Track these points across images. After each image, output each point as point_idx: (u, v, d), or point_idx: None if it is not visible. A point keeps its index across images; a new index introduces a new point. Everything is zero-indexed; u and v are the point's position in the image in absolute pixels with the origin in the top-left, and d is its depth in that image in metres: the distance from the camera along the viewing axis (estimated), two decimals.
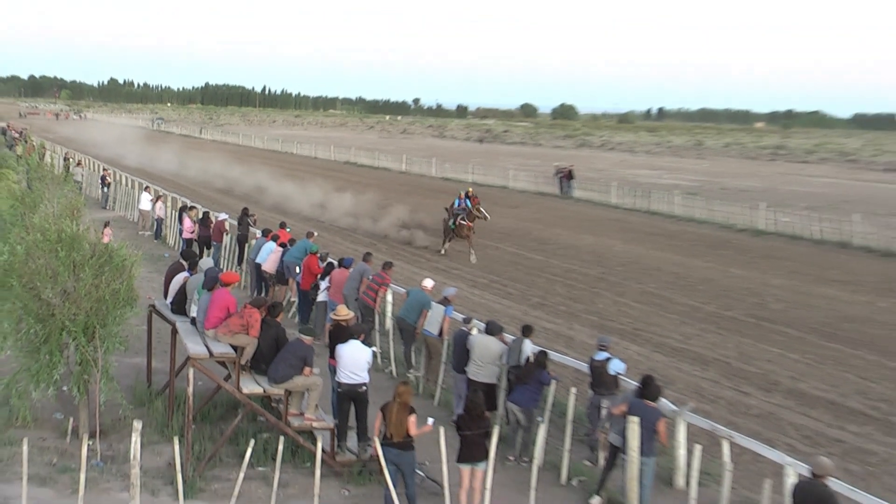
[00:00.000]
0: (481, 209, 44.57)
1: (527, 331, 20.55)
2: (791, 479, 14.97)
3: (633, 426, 16.43)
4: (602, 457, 17.71)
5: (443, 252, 44.95)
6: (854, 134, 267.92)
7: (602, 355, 19.33)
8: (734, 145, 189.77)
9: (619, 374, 18.83)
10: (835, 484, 13.49)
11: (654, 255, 45.94)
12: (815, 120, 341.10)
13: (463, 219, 43.22)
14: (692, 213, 66.59)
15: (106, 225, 38.84)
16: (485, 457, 15.95)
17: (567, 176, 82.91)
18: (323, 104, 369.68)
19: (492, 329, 20.34)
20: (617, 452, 16.94)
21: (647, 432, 16.42)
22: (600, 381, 19.06)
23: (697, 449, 16.52)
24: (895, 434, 22.13)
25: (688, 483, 16.59)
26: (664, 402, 17.54)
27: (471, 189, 49.60)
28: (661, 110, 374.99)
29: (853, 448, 20.89)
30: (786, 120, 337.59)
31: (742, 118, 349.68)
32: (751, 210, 62.93)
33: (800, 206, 66.37)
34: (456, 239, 45.32)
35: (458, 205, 45.05)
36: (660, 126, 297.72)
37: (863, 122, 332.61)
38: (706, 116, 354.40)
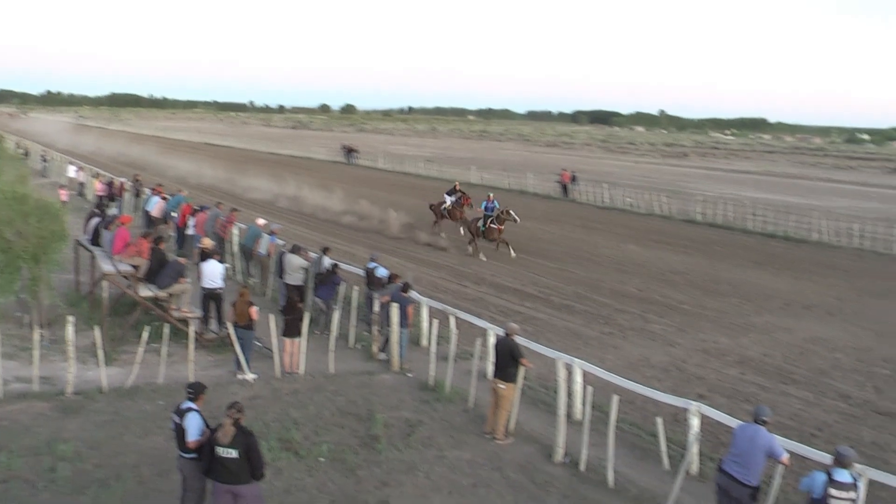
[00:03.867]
0: (510, 212, 31.03)
1: (325, 250, 20.62)
2: (492, 339, 15.38)
3: (395, 309, 16.72)
4: (375, 329, 17.83)
5: (470, 252, 30.99)
6: (528, 124, 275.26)
7: (372, 264, 19.65)
8: (456, 130, 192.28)
9: (382, 277, 19.03)
10: (519, 339, 13.87)
11: (404, 200, 45.97)
12: (505, 114, 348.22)
13: (493, 222, 30.99)
14: (431, 173, 67.45)
15: (61, 187, 39.10)
16: (300, 332, 16.26)
17: (351, 150, 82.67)
18: (190, 105, 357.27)
19: (295, 249, 20.33)
20: (385, 325, 17.28)
21: (402, 313, 16.81)
22: (372, 281, 19.26)
23: (435, 322, 16.81)
24: (555, 307, 22.94)
25: (429, 343, 16.86)
26: (413, 294, 17.81)
27: (458, 183, 38.75)
28: (410, 108, 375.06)
29: (528, 317, 21.54)
30: (487, 114, 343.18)
31: (460, 112, 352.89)
32: (467, 171, 64.07)
33: (496, 169, 67.74)
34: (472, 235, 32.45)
35: (486, 207, 32.45)
36: (409, 118, 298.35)
37: (534, 116, 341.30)
38: (439, 112, 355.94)
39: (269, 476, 10.40)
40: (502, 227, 31.01)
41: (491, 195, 34.19)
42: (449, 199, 35.84)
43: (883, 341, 20.82)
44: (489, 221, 31.33)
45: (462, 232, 34.39)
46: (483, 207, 32.71)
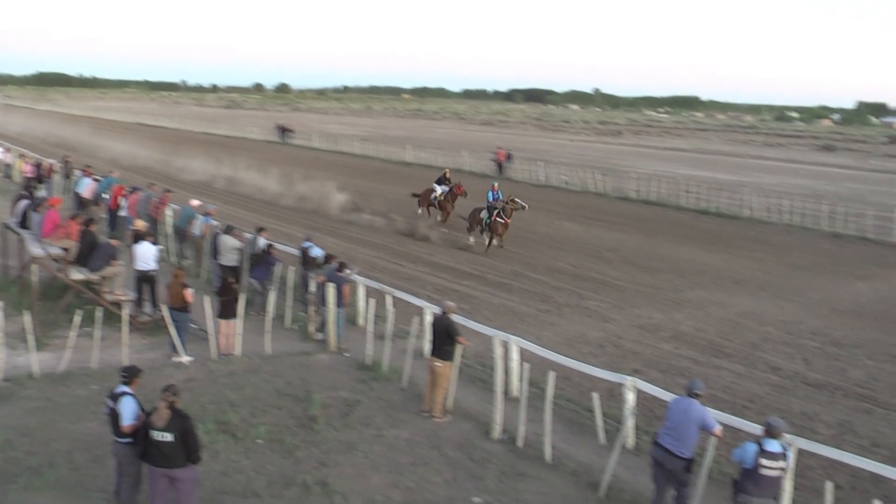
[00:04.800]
0: (517, 200, 28.16)
1: (260, 230, 20.37)
2: (429, 317, 15.38)
3: (331, 289, 16.59)
4: (311, 309, 17.69)
5: (471, 241, 28.41)
6: (464, 102, 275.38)
7: (307, 244, 19.45)
8: (391, 109, 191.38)
9: (317, 256, 18.85)
10: (456, 317, 13.88)
11: (344, 179, 45.62)
12: (440, 93, 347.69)
13: (500, 215, 27.52)
14: (367, 152, 67.03)
15: None
16: (235, 314, 16.09)
17: (285, 130, 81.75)
18: (121, 85, 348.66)
19: (229, 230, 20.21)
20: (321, 305, 17.15)
21: (338, 293, 16.69)
22: (307, 261, 19.08)
23: (372, 302, 16.72)
24: (491, 285, 23.03)
25: (366, 322, 16.79)
26: (348, 273, 17.71)
27: (448, 171, 35.29)
28: (345, 87, 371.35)
29: (465, 295, 21.59)
30: (422, 93, 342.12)
31: (395, 91, 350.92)
32: (402, 150, 63.83)
33: (431, 147, 67.55)
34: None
35: (492, 198, 29.22)
36: (344, 97, 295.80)
37: (470, 94, 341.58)
38: (374, 91, 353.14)
39: (206, 459, 10.27)
40: (509, 221, 27.75)
41: (496, 185, 31.11)
42: (440, 189, 33.29)
43: (811, 315, 21.32)
44: (495, 214, 27.69)
45: (439, 219, 32.62)
46: (489, 199, 29.34)
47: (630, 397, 12.00)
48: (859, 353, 18.28)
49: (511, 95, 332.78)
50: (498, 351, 13.65)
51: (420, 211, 33.86)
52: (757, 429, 9.65)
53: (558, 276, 24.62)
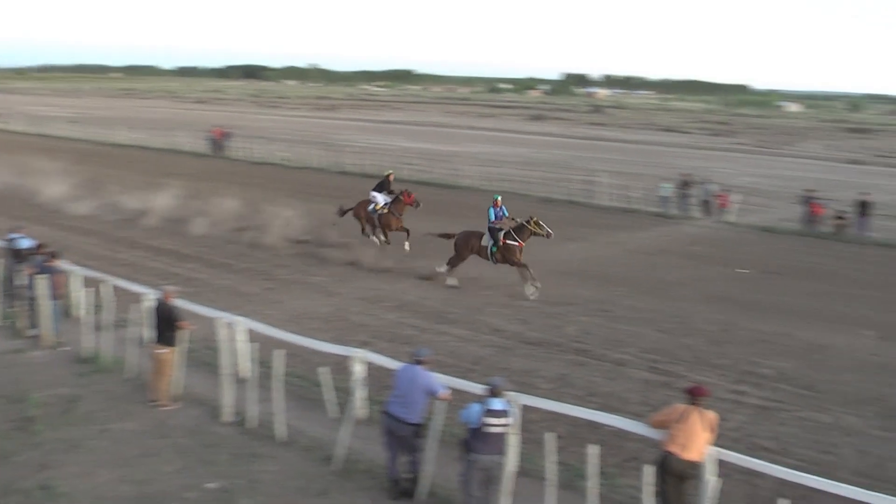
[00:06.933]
0: (542, 223, 20.63)
1: None
2: (149, 302, 14.71)
3: (42, 282, 15.51)
4: (22, 304, 16.42)
5: (450, 267, 21.64)
6: (177, 80, 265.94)
7: (14, 235, 17.95)
8: (100, 88, 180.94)
9: (26, 248, 17.44)
10: (177, 301, 13.43)
11: (43, 163, 42.48)
12: (151, 70, 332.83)
13: (512, 237, 20.73)
14: (74, 135, 62.97)
15: None
16: None
17: None
18: None
19: None
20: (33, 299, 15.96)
21: (51, 284, 15.59)
22: (15, 253, 17.63)
23: (88, 291, 15.80)
24: (214, 267, 22.45)
25: (83, 313, 15.80)
26: (63, 264, 16.55)
27: (392, 173, 26.87)
28: (48, 66, 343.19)
29: (188, 278, 20.88)
30: (132, 70, 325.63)
31: (102, 70, 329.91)
32: (114, 131, 60.57)
33: (145, 127, 64.67)
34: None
35: (495, 217, 21.33)
36: (47, 76, 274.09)
37: (184, 71, 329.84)
38: (80, 69, 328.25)
39: None
40: (523, 245, 21.00)
41: (499, 199, 21.94)
42: (381, 199, 25.62)
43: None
44: (504, 237, 20.98)
45: (374, 236, 25.34)
46: (491, 217, 21.55)
47: (357, 369, 12.14)
48: (572, 311, 19.47)
49: (226, 72, 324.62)
50: (222, 333, 13.34)
51: (374, 237, 25.60)
52: (482, 389, 10.11)
53: (281, 253, 24.43)
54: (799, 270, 25.00)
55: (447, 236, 22.32)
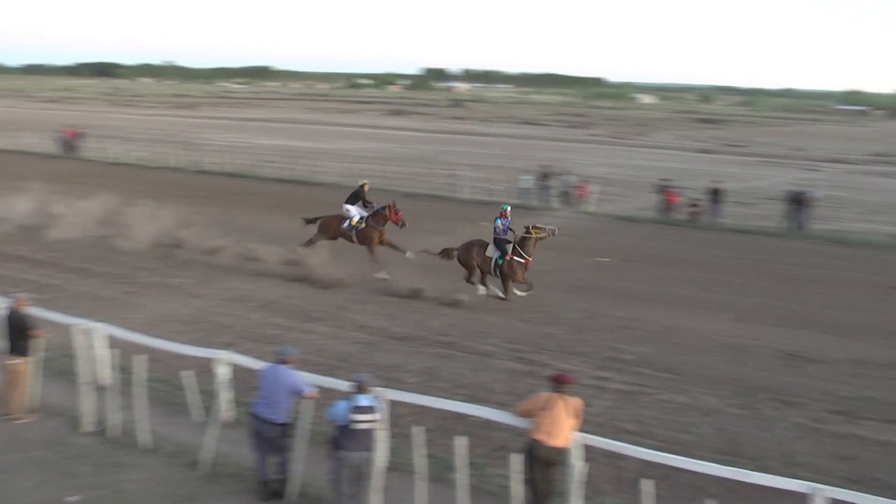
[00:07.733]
0: (540, 226, 19.94)
1: None
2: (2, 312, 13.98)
3: None
4: None
5: (482, 291, 20.32)
6: (25, 78, 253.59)
7: None
8: None
9: None
10: (31, 309, 12.79)
11: None
12: None
13: (518, 250, 19.55)
14: None
15: None
16: None
17: None
18: None
19: None
20: None
21: None
22: None
23: None
24: (70, 272, 21.57)
25: None
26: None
27: (367, 183, 23.49)
28: None
29: (42, 284, 19.84)
30: None
31: None
32: None
33: None
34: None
35: (501, 227, 19.93)
36: None
37: (32, 69, 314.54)
38: None
39: None
40: (530, 260, 19.92)
41: (507, 209, 20.33)
42: (356, 213, 22.50)
43: (391, 272, 21.63)
44: (511, 251, 19.81)
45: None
46: (497, 226, 20.08)
47: (221, 371, 11.88)
48: (436, 305, 19.56)
49: (78, 70, 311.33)
50: (79, 340, 12.80)
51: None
52: (348, 386, 10.07)
53: (140, 256, 23.63)
54: (657, 258, 25.99)
55: (447, 255, 21.10)
